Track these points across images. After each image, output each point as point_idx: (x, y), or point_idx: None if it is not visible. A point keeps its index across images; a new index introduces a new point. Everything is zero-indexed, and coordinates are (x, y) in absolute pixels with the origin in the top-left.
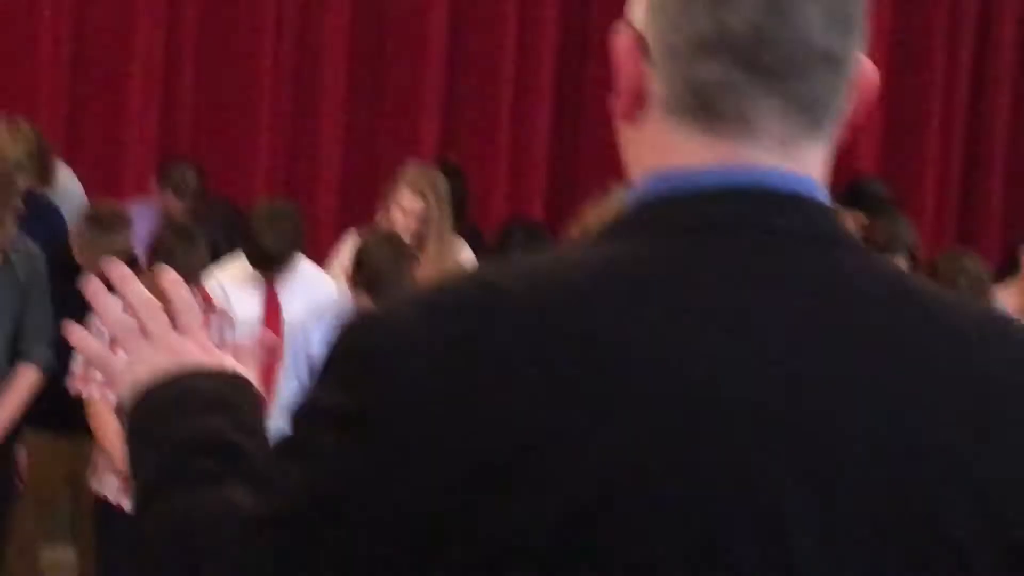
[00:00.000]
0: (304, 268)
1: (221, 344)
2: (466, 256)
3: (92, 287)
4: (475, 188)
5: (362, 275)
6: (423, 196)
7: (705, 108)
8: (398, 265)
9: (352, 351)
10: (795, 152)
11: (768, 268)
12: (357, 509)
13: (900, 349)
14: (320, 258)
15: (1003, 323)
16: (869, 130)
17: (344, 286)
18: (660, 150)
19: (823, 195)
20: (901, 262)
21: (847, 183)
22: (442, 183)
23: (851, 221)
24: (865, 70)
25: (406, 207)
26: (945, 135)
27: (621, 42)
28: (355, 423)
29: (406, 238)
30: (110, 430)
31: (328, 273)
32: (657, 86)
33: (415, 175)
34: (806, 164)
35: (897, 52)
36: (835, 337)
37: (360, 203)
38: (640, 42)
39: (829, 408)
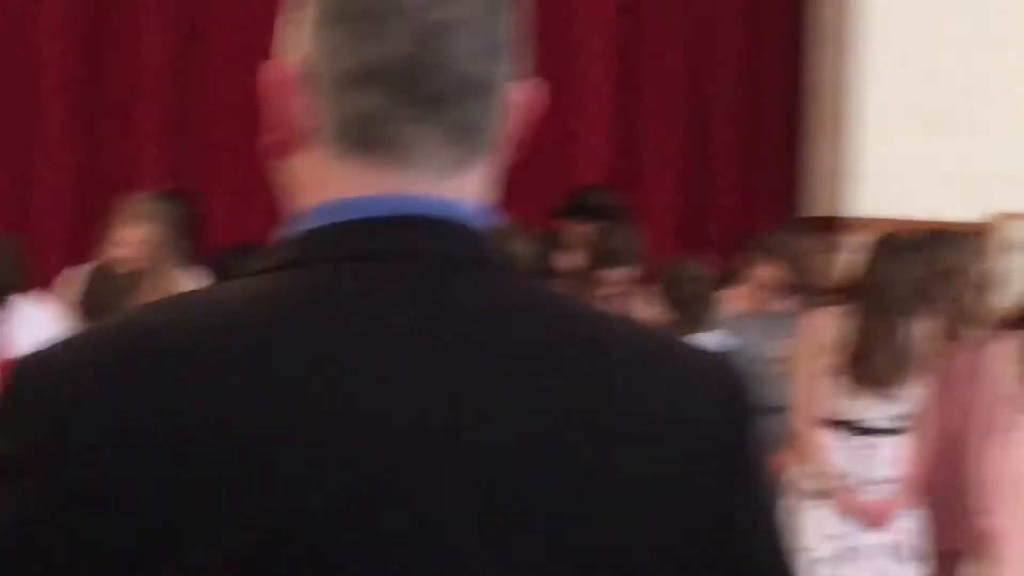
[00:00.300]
0: (29, 302)
1: None
2: (192, 283)
3: None
4: (203, 212)
5: (82, 308)
6: (147, 224)
7: (359, 138)
8: (118, 297)
9: (14, 397)
10: (452, 179)
11: (419, 294)
12: (26, 562)
13: (553, 367)
14: (48, 291)
15: (663, 342)
16: (595, 140)
17: (69, 320)
18: (317, 183)
19: (480, 220)
20: (628, 270)
21: (573, 194)
22: (166, 210)
23: (578, 232)
24: (520, 95)
25: (129, 236)
26: (670, 143)
27: (272, 76)
28: (18, 472)
29: (130, 267)
30: None
31: (54, 307)
32: (313, 118)
33: (138, 203)
34: (463, 190)
35: (620, 63)
36: (487, 358)
37: (88, 234)
38: (292, 75)
39: (488, 428)
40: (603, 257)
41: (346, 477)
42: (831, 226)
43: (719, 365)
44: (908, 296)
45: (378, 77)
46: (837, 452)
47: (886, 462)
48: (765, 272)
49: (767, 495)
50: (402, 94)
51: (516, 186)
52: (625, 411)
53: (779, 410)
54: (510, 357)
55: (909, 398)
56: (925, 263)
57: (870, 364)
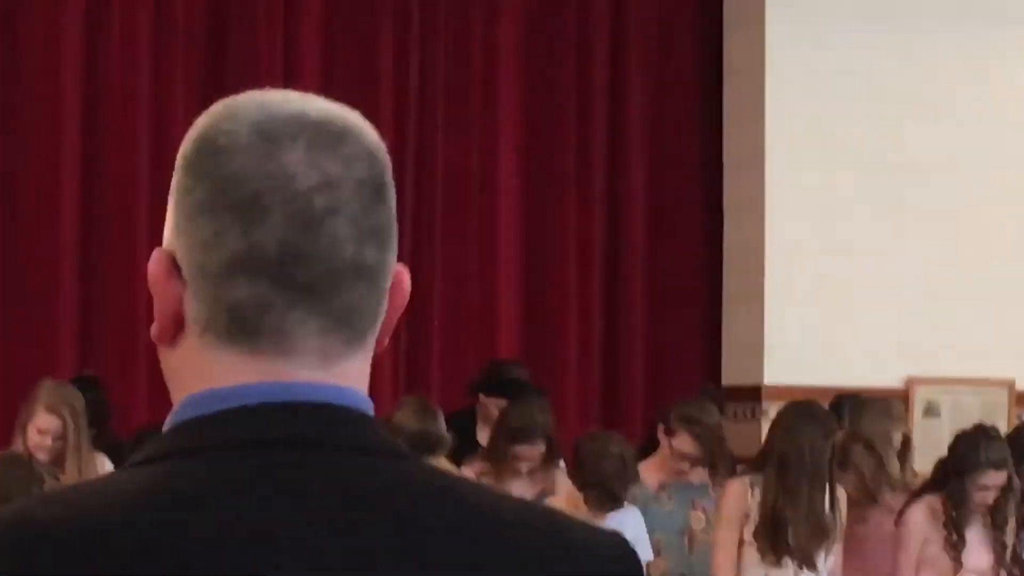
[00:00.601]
0: None
1: None
2: (107, 470)
3: None
4: (116, 399)
5: None
6: (59, 414)
7: (241, 327)
8: (28, 487)
9: None
10: (334, 365)
11: (296, 481)
12: None
13: (442, 553)
14: None
15: (554, 522)
16: (509, 316)
17: None
18: (200, 372)
19: (364, 404)
20: (541, 444)
21: (487, 369)
22: (78, 398)
23: (492, 407)
24: (399, 276)
25: (42, 426)
26: (584, 318)
27: (155, 265)
28: None
29: (43, 457)
30: None
31: None
32: (193, 307)
33: (50, 392)
34: (346, 375)
35: (531, 240)
36: (372, 545)
37: (2, 424)
38: (173, 264)
39: None
40: (515, 432)
41: None
42: (749, 395)
43: (609, 543)
44: (822, 462)
45: (256, 265)
46: None
47: None
48: (682, 442)
49: None
50: (281, 283)
51: (437, 364)
52: None
53: None
54: (398, 544)
55: (828, 565)
56: (846, 428)
57: (787, 532)
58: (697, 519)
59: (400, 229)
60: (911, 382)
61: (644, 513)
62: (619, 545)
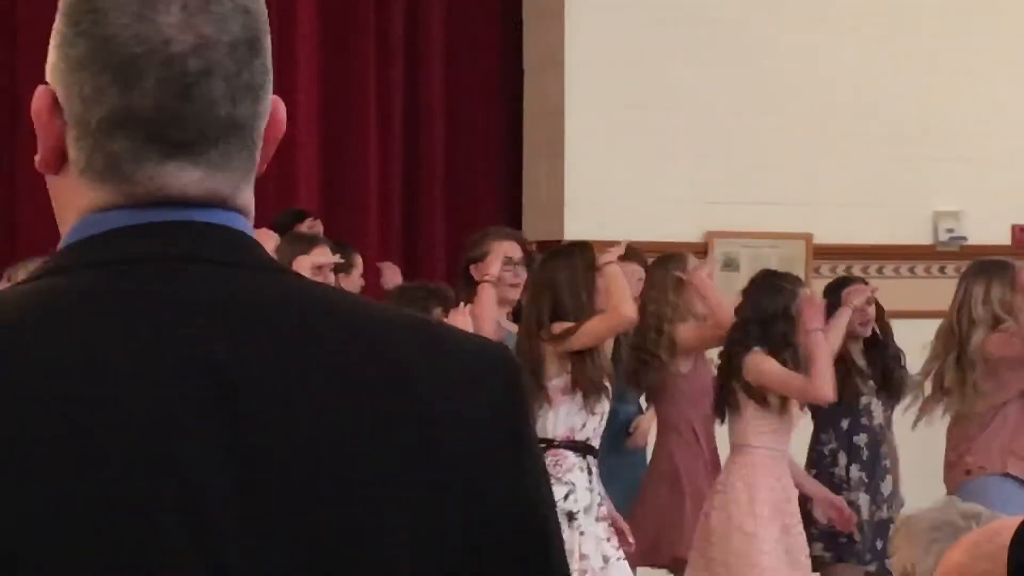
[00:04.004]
0: None
1: None
2: None
3: None
4: None
5: None
6: None
7: (119, 177)
8: None
9: None
10: (213, 202)
11: (174, 293)
12: None
13: (315, 358)
14: None
15: (440, 329)
16: (308, 171)
17: None
18: (84, 202)
19: (241, 224)
20: None
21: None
22: None
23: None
24: (275, 108)
25: None
26: (384, 172)
27: (39, 101)
28: None
29: None
30: None
31: None
32: (73, 151)
33: None
34: (227, 206)
35: (330, 92)
36: (248, 351)
37: None
38: (56, 103)
39: (250, 421)
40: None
41: (105, 471)
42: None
43: (493, 350)
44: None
45: (133, 123)
46: None
47: None
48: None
49: (543, 464)
50: (157, 139)
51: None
52: (410, 400)
53: None
54: (286, 352)
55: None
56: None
57: None
58: None
59: None
60: (710, 235)
61: None
62: (502, 354)
